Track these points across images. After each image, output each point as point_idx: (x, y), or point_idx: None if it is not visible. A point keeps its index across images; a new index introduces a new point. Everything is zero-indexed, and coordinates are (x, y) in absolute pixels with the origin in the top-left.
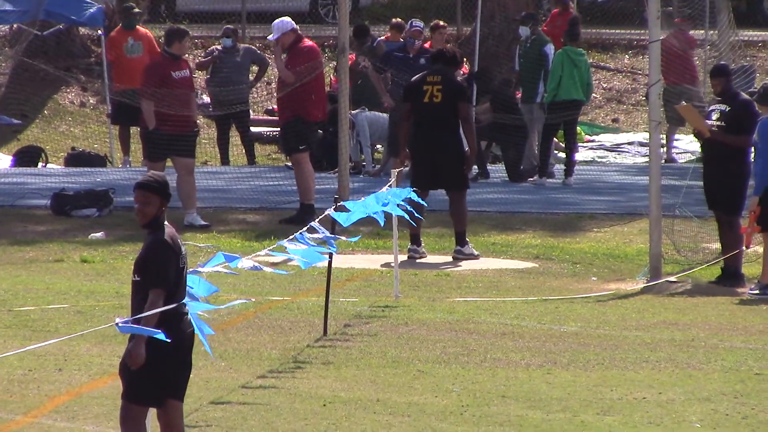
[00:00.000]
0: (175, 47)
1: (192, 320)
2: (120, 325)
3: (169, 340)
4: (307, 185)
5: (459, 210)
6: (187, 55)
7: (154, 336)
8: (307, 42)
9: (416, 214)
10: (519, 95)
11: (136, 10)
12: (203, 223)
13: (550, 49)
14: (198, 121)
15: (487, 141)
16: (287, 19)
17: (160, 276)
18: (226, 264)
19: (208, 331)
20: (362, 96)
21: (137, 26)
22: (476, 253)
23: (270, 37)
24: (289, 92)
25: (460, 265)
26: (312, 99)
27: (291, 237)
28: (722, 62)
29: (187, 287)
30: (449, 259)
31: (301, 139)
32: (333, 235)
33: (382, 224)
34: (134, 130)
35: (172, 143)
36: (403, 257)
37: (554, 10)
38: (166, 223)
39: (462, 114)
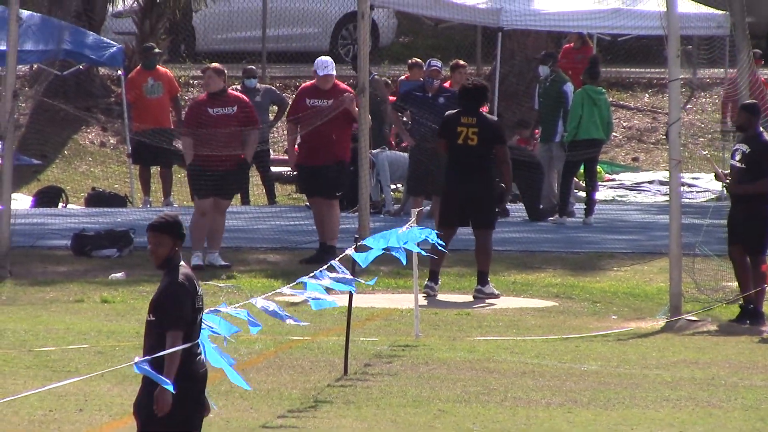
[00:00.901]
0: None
1: (214, 356)
2: (137, 362)
3: (173, 392)
4: (335, 228)
5: (484, 249)
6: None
7: (164, 385)
8: (341, 84)
9: (439, 247)
10: (538, 134)
11: (157, 50)
12: (223, 263)
13: (569, 88)
14: (244, 159)
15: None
16: (330, 60)
17: (177, 317)
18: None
19: (230, 362)
20: (380, 135)
21: (157, 66)
22: (497, 292)
23: (321, 72)
24: (328, 135)
25: (481, 304)
26: (347, 141)
27: (311, 274)
28: (753, 101)
29: (209, 327)
30: (469, 298)
31: (342, 184)
32: (352, 277)
33: (404, 263)
34: (154, 170)
35: (216, 181)
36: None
37: (568, 44)
38: (182, 263)
39: (500, 157)
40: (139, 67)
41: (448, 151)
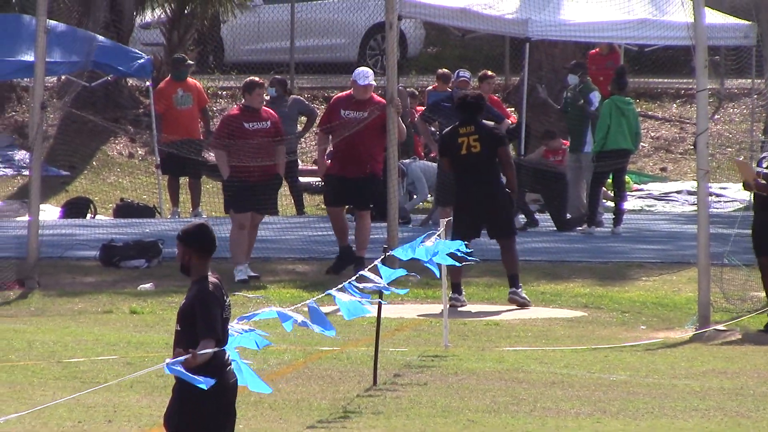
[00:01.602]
0: (246, 99)
1: (236, 364)
2: (168, 364)
3: (213, 381)
4: (365, 238)
5: (510, 256)
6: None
7: (197, 384)
8: (377, 97)
9: (467, 258)
10: (566, 144)
11: (189, 62)
12: (252, 274)
13: (594, 96)
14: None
15: (530, 190)
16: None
17: (209, 326)
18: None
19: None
20: (406, 145)
21: (187, 77)
22: (529, 300)
23: (362, 82)
24: (366, 148)
25: (510, 315)
26: (382, 155)
27: (339, 286)
28: None
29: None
30: (498, 308)
31: (373, 196)
32: (385, 286)
33: (438, 275)
34: (183, 181)
35: (254, 193)
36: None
37: (594, 51)
38: (210, 273)
39: (503, 159)
40: (168, 77)
41: (454, 165)
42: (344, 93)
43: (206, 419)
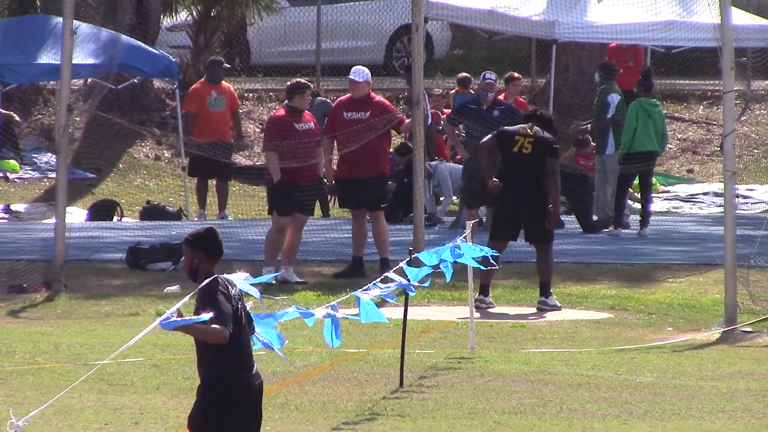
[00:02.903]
0: (296, 101)
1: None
2: (162, 321)
3: (210, 315)
4: (385, 239)
5: (545, 262)
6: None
7: (197, 321)
8: (377, 96)
9: (491, 261)
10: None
11: (225, 65)
12: (299, 280)
13: (613, 98)
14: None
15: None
16: (368, 70)
17: (220, 313)
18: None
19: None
20: (429, 146)
21: (222, 80)
22: (559, 305)
23: (357, 78)
24: (370, 148)
25: (537, 317)
26: (387, 154)
27: (364, 287)
28: None
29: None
30: (525, 310)
31: (384, 197)
32: (409, 283)
33: (448, 279)
34: (211, 183)
35: (299, 196)
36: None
37: (614, 43)
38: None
39: (549, 168)
40: (203, 79)
41: (502, 161)
42: (345, 96)
43: (230, 421)
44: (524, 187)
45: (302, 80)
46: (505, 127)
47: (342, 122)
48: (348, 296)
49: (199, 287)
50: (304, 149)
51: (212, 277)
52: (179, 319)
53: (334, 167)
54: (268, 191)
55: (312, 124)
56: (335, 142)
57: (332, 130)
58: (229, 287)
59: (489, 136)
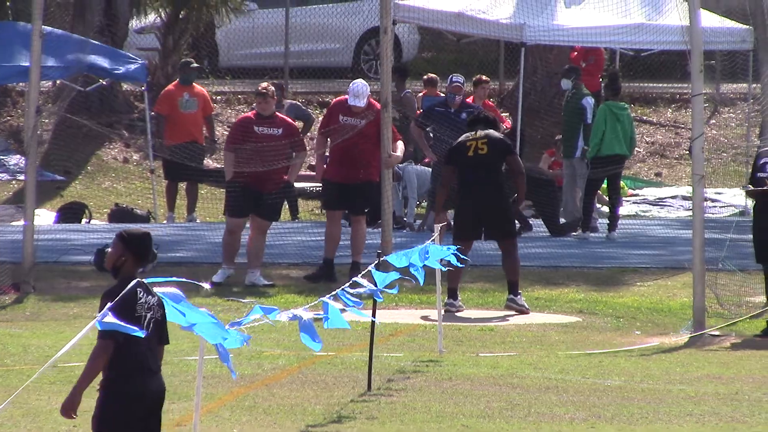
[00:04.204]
0: (258, 106)
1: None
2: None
3: (142, 334)
4: (361, 244)
5: (512, 261)
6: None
7: (131, 333)
8: (377, 104)
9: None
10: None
11: (194, 65)
12: (267, 282)
13: (588, 102)
14: (287, 182)
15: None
16: (364, 82)
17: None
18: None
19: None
20: (417, 151)
21: (194, 82)
22: (527, 307)
23: (357, 102)
24: (363, 155)
25: (505, 320)
26: (378, 161)
27: (333, 293)
28: None
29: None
30: (493, 314)
31: (370, 201)
32: (377, 292)
33: (421, 283)
34: (180, 186)
35: (254, 200)
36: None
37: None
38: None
39: (514, 167)
40: (176, 81)
41: (460, 167)
42: (344, 97)
43: (122, 425)
44: (485, 188)
45: (265, 84)
46: (453, 145)
47: (337, 123)
48: (316, 302)
49: (106, 290)
50: (265, 154)
51: (134, 281)
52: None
53: (326, 165)
54: (226, 192)
55: (280, 130)
56: (329, 140)
57: (326, 127)
58: (145, 295)
59: (443, 167)
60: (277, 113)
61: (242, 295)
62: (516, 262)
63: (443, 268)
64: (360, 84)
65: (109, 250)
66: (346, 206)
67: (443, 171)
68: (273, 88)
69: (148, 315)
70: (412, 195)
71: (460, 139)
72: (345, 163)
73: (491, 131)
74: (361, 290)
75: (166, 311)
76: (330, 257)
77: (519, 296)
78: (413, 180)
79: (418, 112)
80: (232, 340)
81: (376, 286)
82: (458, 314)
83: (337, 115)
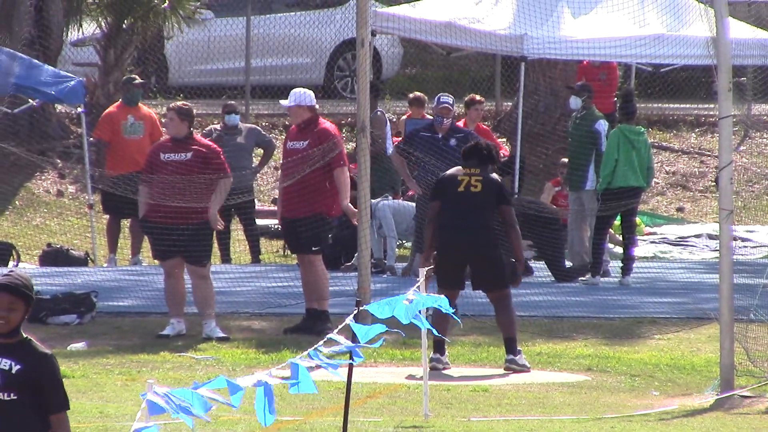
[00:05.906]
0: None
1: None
2: None
3: None
4: (320, 289)
5: (506, 314)
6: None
7: None
8: (325, 123)
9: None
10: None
11: (138, 80)
12: (222, 335)
13: (602, 126)
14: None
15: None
16: (310, 93)
17: (66, 396)
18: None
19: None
20: (384, 181)
21: (140, 105)
22: (528, 365)
23: (284, 102)
24: (305, 183)
25: (500, 379)
26: (331, 191)
27: (303, 354)
28: None
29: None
30: (487, 371)
31: (316, 239)
32: (355, 344)
33: (423, 328)
34: (125, 223)
35: (176, 239)
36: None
37: (585, 61)
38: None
39: (506, 218)
40: (119, 102)
41: (444, 203)
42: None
43: None
44: (472, 230)
45: (181, 105)
46: (442, 175)
47: (284, 153)
48: (285, 364)
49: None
50: (175, 185)
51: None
52: None
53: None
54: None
55: (188, 155)
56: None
57: (283, 159)
58: None
59: (430, 202)
60: (196, 136)
61: (199, 348)
62: (511, 315)
63: (431, 327)
64: (299, 89)
65: (3, 314)
66: (290, 244)
67: (430, 206)
68: (188, 107)
69: None
70: (390, 234)
71: (451, 171)
72: (292, 195)
73: (487, 170)
74: (337, 348)
75: None
76: (308, 306)
77: (519, 355)
78: (388, 217)
79: (396, 139)
80: (196, 407)
81: (355, 341)
82: (445, 372)
83: (286, 142)
